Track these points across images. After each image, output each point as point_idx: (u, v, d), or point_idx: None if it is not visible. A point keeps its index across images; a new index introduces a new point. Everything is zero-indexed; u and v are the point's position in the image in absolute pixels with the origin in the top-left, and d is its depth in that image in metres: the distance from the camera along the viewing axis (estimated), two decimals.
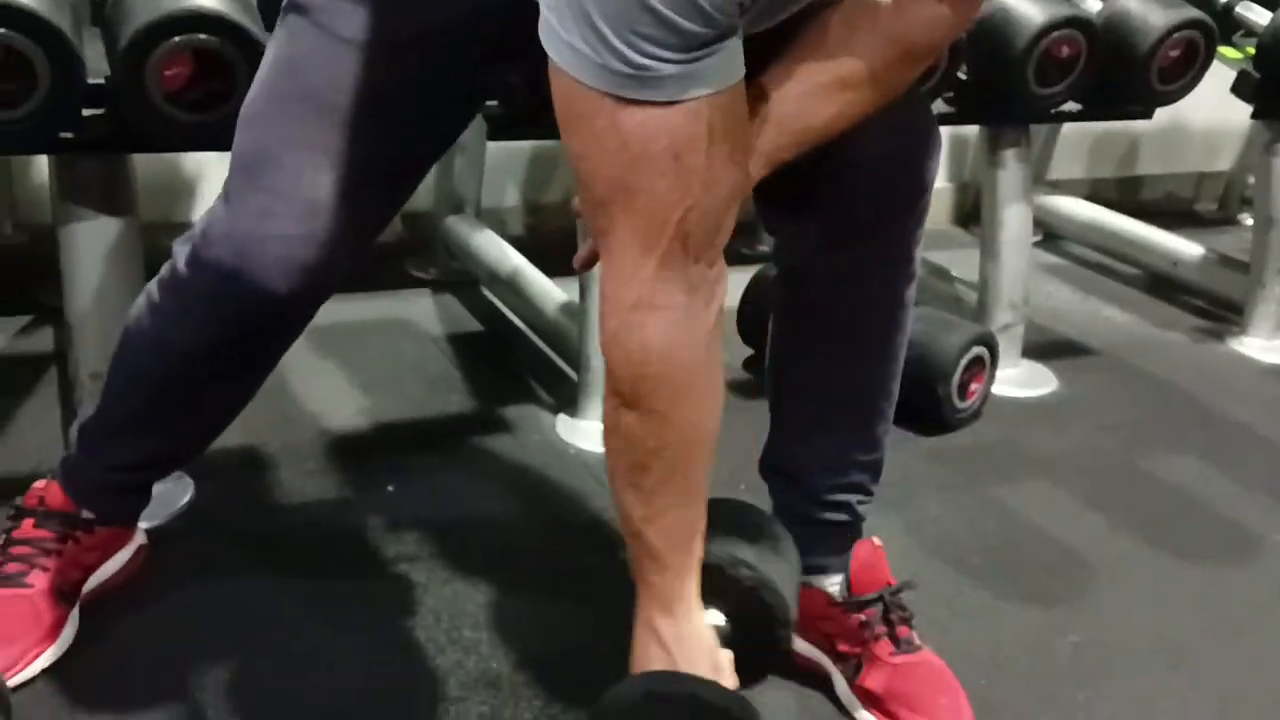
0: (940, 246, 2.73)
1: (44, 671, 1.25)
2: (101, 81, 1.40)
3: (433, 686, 1.30)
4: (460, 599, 1.44)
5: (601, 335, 0.94)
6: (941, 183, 3.06)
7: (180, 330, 1.21)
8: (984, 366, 2.00)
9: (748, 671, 1.03)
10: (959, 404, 1.97)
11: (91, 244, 1.52)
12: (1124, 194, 3.35)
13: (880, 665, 1.29)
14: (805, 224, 1.17)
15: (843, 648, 1.32)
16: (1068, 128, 2.98)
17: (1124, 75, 1.98)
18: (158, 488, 1.55)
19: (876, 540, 1.34)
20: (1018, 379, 2.18)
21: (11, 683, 1.20)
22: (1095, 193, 3.26)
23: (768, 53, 1.00)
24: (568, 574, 1.53)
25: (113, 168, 1.52)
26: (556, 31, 0.84)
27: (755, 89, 0.98)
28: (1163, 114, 2.14)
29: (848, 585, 1.32)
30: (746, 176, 0.96)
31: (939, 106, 1.94)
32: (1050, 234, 2.99)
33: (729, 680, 1.00)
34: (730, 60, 0.87)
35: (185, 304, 1.20)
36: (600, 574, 1.52)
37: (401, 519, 1.60)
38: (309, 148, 1.08)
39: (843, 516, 1.30)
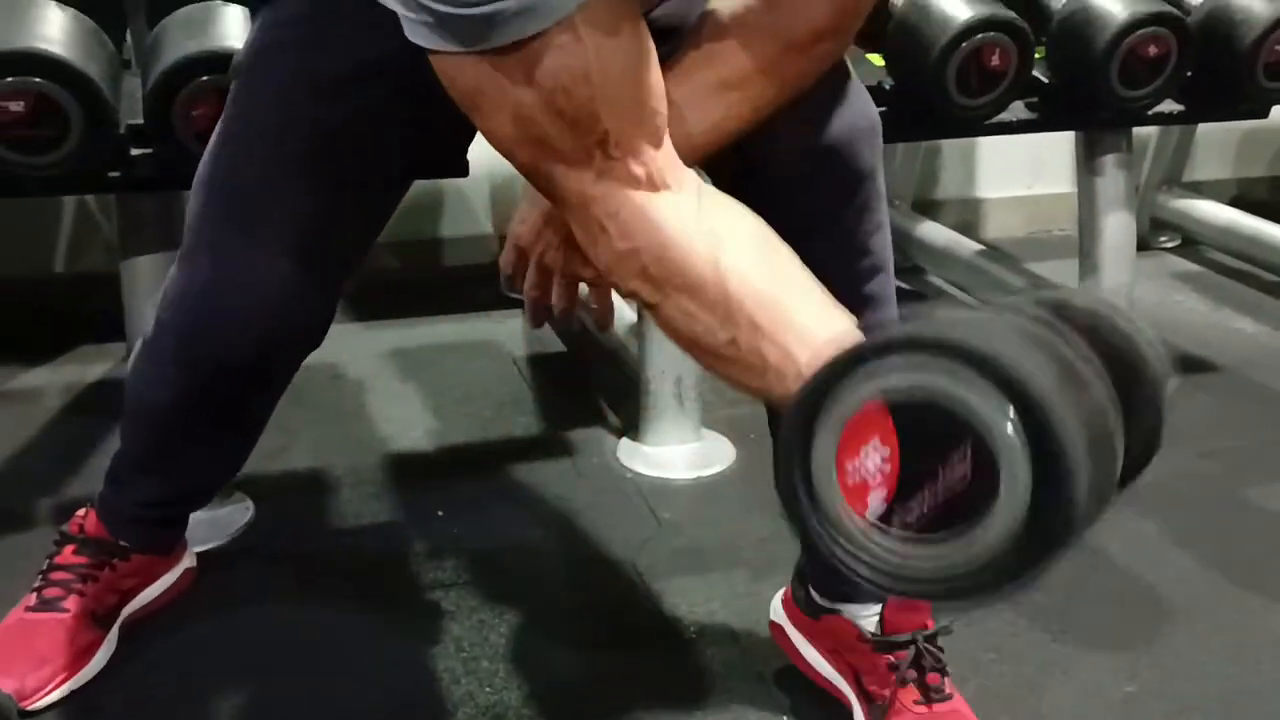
0: (1058, 255, 2.58)
1: (73, 694, 1.30)
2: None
3: (441, 718, 1.30)
4: (484, 629, 1.44)
5: (599, 264, 0.87)
6: (1065, 188, 2.90)
7: (159, 389, 1.24)
8: None
9: None
10: None
11: (150, 278, 1.58)
12: (1278, 194, 3.11)
13: (904, 713, 1.22)
14: None
15: (870, 686, 1.26)
16: (1210, 125, 2.79)
17: (1226, 74, 1.83)
18: (217, 511, 1.60)
19: None
20: None
21: (36, 706, 1.26)
22: (1244, 194, 3.04)
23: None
24: (593, 608, 1.51)
25: (167, 204, 1.58)
26: (409, 19, 0.80)
27: None
28: None
29: (881, 622, 1.25)
30: (642, 44, 0.84)
31: (1018, 111, 1.83)
32: (1188, 239, 2.80)
33: None
34: None
35: (159, 364, 1.22)
36: (627, 610, 1.50)
37: (445, 545, 1.60)
38: (257, 208, 1.08)
39: None
